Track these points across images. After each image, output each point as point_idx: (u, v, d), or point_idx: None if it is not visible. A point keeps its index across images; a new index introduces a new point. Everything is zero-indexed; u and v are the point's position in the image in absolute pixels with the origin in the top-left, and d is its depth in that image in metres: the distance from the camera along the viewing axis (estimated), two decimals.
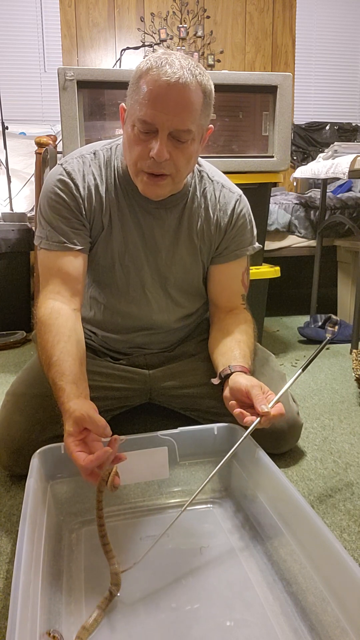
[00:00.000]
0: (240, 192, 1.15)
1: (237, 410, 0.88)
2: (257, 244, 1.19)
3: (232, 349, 1.05)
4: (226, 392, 0.95)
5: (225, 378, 0.98)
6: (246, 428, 0.86)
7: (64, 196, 1.02)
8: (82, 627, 0.66)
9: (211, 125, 1.00)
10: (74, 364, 0.89)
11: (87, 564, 0.79)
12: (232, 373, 0.97)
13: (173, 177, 0.96)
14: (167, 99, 0.88)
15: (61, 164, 1.05)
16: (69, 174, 1.03)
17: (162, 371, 1.21)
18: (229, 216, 1.12)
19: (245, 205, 1.15)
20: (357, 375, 1.55)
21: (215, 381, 1.01)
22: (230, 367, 0.98)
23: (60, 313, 0.97)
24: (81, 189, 1.03)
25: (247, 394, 0.89)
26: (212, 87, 0.95)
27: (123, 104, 0.98)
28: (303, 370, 0.93)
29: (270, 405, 0.86)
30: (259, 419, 0.85)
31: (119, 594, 0.72)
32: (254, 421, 0.85)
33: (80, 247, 1.03)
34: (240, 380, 0.92)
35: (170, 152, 0.92)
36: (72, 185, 1.02)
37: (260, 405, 0.86)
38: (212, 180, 1.12)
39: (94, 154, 1.07)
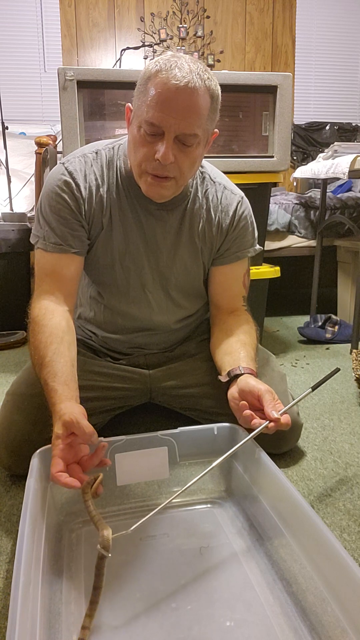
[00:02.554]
0: (242, 193, 1.15)
1: (248, 412, 0.88)
2: (258, 246, 1.19)
3: (238, 350, 1.05)
4: (233, 391, 0.95)
5: (234, 377, 0.98)
6: (248, 430, 0.86)
7: (65, 196, 1.02)
8: (83, 627, 0.66)
9: (216, 130, 1.00)
10: (66, 365, 0.90)
11: (87, 564, 0.79)
12: (242, 374, 0.97)
13: (177, 180, 0.97)
14: (175, 102, 0.88)
15: (63, 163, 1.05)
16: (70, 174, 1.03)
17: (162, 371, 1.21)
18: (230, 218, 1.12)
19: (247, 207, 1.15)
20: (357, 375, 1.55)
21: (223, 378, 1.01)
22: (241, 367, 0.98)
23: (54, 314, 0.98)
24: (82, 189, 1.03)
25: (258, 397, 0.90)
26: (220, 91, 0.95)
27: (129, 104, 0.98)
28: (313, 390, 0.95)
29: (280, 413, 0.87)
30: (267, 422, 0.86)
31: (109, 555, 0.68)
32: (261, 424, 0.86)
33: (76, 250, 1.04)
34: (252, 382, 0.92)
35: (175, 155, 0.92)
36: (73, 185, 1.02)
37: (271, 410, 0.86)
38: (214, 182, 1.12)
39: (96, 153, 1.07)
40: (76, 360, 0.94)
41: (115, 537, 0.70)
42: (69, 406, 0.81)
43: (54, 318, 0.97)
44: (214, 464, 0.81)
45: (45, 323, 0.95)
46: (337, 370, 1.01)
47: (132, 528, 0.73)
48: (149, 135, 0.91)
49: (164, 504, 0.76)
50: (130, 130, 0.97)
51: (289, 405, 0.91)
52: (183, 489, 0.79)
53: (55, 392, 0.85)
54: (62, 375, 0.87)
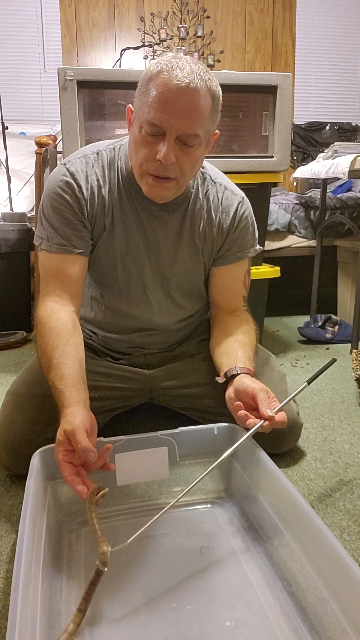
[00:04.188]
0: (243, 194, 1.15)
1: (242, 412, 0.88)
2: (258, 246, 1.19)
3: (236, 350, 1.05)
4: (230, 392, 0.95)
5: (230, 378, 0.98)
6: (246, 429, 0.86)
7: (67, 197, 1.02)
8: (72, 622, 0.66)
9: (217, 131, 1.00)
10: (73, 367, 0.90)
11: (87, 564, 0.79)
12: (238, 374, 0.97)
13: (178, 181, 0.97)
14: (176, 103, 0.88)
15: (64, 164, 1.05)
16: (72, 175, 1.03)
17: (162, 371, 1.21)
18: (231, 218, 1.12)
19: (247, 207, 1.15)
20: (357, 375, 1.55)
21: (220, 379, 1.01)
22: (237, 367, 0.98)
23: (60, 315, 0.98)
24: (84, 190, 1.03)
25: (253, 396, 0.90)
26: (220, 92, 0.95)
27: (130, 105, 0.98)
28: (308, 383, 0.95)
29: (275, 410, 0.87)
30: (262, 421, 0.85)
31: (105, 569, 0.70)
32: (256, 424, 0.86)
33: (80, 251, 1.04)
34: (247, 382, 0.93)
35: (176, 155, 0.92)
36: (75, 186, 1.02)
37: (265, 409, 0.86)
38: (214, 182, 1.12)
39: (97, 154, 1.07)
40: (84, 361, 0.94)
41: (113, 550, 0.71)
42: (73, 412, 0.82)
43: (60, 320, 0.97)
44: (209, 469, 0.81)
45: (52, 325, 0.96)
46: (334, 360, 1.00)
47: (129, 540, 0.74)
48: (150, 135, 0.91)
49: (155, 517, 0.76)
50: (132, 131, 0.97)
51: (284, 402, 0.90)
52: (174, 501, 0.79)
53: (63, 394, 0.85)
54: (70, 377, 0.88)
